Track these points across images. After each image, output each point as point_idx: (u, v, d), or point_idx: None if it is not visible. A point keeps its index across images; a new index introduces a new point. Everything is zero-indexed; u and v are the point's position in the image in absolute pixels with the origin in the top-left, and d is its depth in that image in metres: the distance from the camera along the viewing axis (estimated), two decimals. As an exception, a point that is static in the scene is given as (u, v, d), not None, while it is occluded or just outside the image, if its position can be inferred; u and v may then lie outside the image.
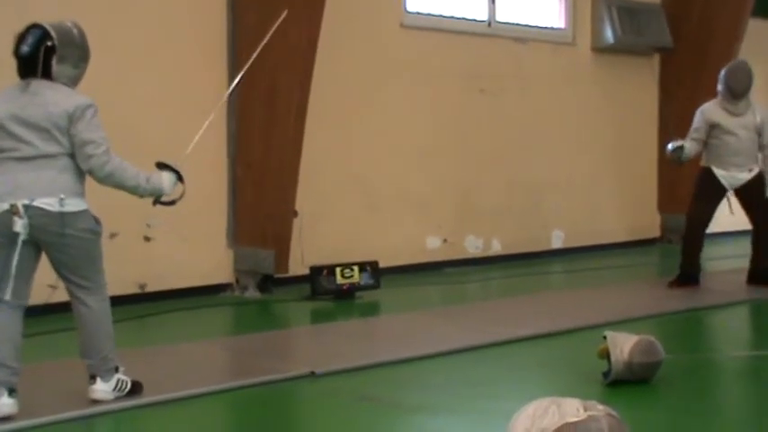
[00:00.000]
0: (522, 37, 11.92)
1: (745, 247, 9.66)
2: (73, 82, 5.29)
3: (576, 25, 12.57)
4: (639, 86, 13.26)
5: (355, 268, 9.15)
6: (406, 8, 10.82)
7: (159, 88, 8.81)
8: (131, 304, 8.49)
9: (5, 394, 5.04)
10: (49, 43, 5.13)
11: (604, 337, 5.79)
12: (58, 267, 5.32)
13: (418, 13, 10.96)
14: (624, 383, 5.69)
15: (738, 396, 6.00)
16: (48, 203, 5.05)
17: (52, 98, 5.12)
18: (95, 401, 5.35)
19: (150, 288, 8.81)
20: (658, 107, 13.20)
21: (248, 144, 9.17)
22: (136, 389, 5.49)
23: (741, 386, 6.23)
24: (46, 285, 6.84)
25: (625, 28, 12.56)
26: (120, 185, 5.33)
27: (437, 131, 11.04)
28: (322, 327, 8.28)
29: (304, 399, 5.84)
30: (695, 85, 12.54)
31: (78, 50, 5.26)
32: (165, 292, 8.85)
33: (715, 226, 9.69)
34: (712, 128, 9.14)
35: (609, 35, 12.52)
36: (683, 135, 9.34)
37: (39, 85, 5.14)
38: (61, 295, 5.78)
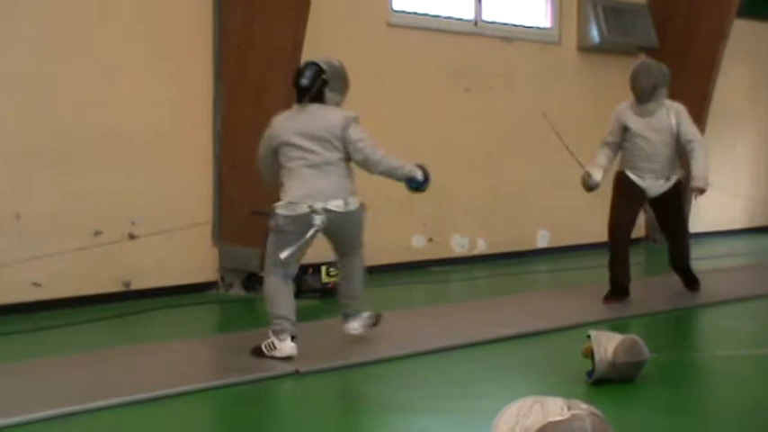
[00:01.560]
0: (509, 36, 11.93)
1: (733, 246, 9.64)
2: (338, 105, 6.73)
3: (562, 25, 12.58)
4: (625, 86, 13.21)
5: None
6: (392, 7, 10.82)
7: (144, 88, 8.80)
8: (116, 302, 8.49)
9: (289, 339, 6.38)
10: (324, 77, 6.62)
11: (588, 337, 5.80)
12: (336, 245, 6.94)
13: (404, 12, 10.96)
14: (608, 383, 5.71)
15: (722, 395, 6.02)
16: (337, 205, 6.52)
17: (328, 114, 6.57)
18: (351, 334, 6.94)
19: (135, 286, 8.80)
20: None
21: (234, 143, 9.16)
22: (378, 320, 7.04)
23: (724, 385, 6.24)
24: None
25: (611, 28, 12.59)
26: (388, 168, 6.72)
27: (423, 130, 11.05)
28: (306, 325, 8.22)
29: (288, 397, 5.85)
30: (680, 85, 12.54)
31: (342, 82, 6.75)
32: (149, 290, 8.84)
33: (702, 226, 9.68)
34: (625, 131, 8.69)
35: (595, 35, 12.55)
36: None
37: (315, 107, 6.59)
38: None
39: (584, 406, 3.76)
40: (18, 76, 8.11)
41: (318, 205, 6.46)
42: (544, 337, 7.33)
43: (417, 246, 11.08)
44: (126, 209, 8.73)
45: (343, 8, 10.16)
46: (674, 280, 9.28)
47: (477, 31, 11.61)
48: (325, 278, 9.05)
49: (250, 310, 8.79)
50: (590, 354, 5.75)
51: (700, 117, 12.92)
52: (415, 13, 11.08)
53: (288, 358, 6.30)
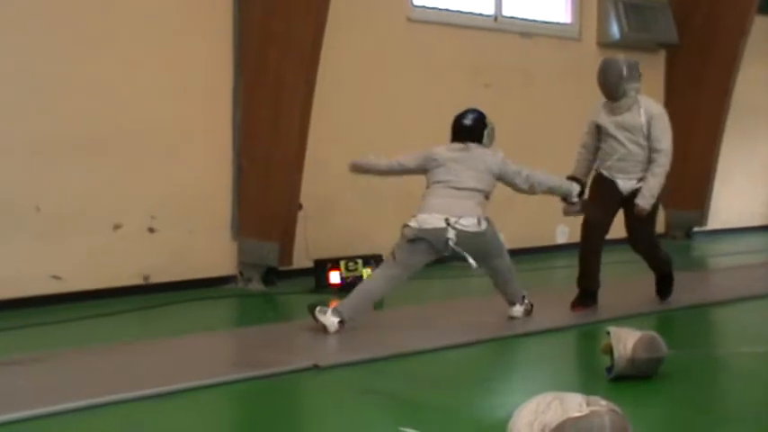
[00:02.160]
0: (529, 32, 11.91)
1: (751, 243, 9.57)
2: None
3: (583, 21, 12.56)
4: (645, 82, 13.17)
5: (359, 262, 9.16)
6: (412, 2, 10.81)
7: (165, 82, 8.81)
8: (135, 295, 8.51)
9: (337, 320, 7.11)
10: (486, 122, 7.78)
11: (608, 333, 5.79)
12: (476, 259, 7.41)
13: (424, 7, 10.95)
14: (627, 379, 5.70)
15: (741, 392, 6.00)
16: (470, 224, 7.30)
17: (487, 155, 7.68)
18: (511, 318, 7.75)
19: (154, 279, 8.83)
20: (663, 103, 13.18)
21: (254, 137, 9.17)
22: (532, 309, 7.89)
23: (744, 382, 6.22)
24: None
25: (631, 24, 12.55)
26: (549, 188, 8.14)
27: (442, 125, 10.93)
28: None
29: (307, 391, 5.85)
30: (700, 82, 12.56)
31: (493, 132, 7.88)
32: (168, 283, 8.86)
33: (720, 223, 9.63)
34: (598, 130, 8.37)
35: (615, 31, 12.51)
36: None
37: (475, 147, 7.68)
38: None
39: (604, 402, 3.75)
40: (38, 69, 8.12)
41: (452, 221, 7.28)
42: (563, 333, 7.33)
43: (436, 241, 11.06)
44: (145, 202, 8.75)
45: (364, 3, 10.16)
46: (692, 276, 9.27)
47: (497, 27, 11.60)
48: (344, 273, 9.06)
49: (269, 305, 8.80)
50: (609, 350, 5.74)
51: (720, 113, 12.92)
52: (436, 9, 11.07)
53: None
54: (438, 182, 7.58)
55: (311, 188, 9.47)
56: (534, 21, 12.05)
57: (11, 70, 8.02)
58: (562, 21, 12.45)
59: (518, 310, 7.78)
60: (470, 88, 11.27)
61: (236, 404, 5.66)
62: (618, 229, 12.88)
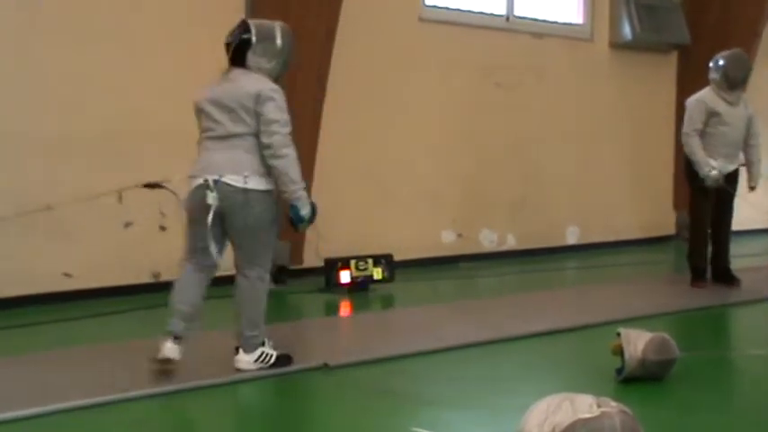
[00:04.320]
0: (540, 32, 11.91)
1: (762, 246, 9.56)
2: (270, 74, 5.89)
3: (595, 21, 12.55)
4: (657, 84, 13.24)
5: (370, 261, 9.16)
6: (424, 2, 10.83)
7: (175, 80, 8.82)
8: (145, 293, 8.52)
9: (170, 340, 5.72)
10: (246, 36, 5.81)
11: (618, 334, 5.79)
12: (231, 240, 5.88)
13: (436, 7, 10.96)
14: (637, 381, 5.69)
15: (752, 394, 5.98)
16: (234, 180, 5.64)
17: (243, 82, 5.74)
18: (238, 371, 5.89)
19: (164, 277, 8.81)
20: (675, 104, 13.17)
21: (265, 136, 9.17)
22: (283, 361, 5.98)
23: (755, 384, 6.21)
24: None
25: (643, 24, 12.53)
26: (283, 170, 5.74)
27: (453, 125, 11.04)
28: (336, 319, 8.29)
29: (317, 391, 5.85)
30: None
31: (273, 46, 5.88)
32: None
33: (736, 224, 9.61)
34: (710, 117, 9.02)
35: (627, 31, 12.50)
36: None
37: (236, 72, 5.82)
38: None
39: (614, 404, 3.75)
40: (48, 66, 8.15)
41: (211, 178, 5.67)
42: (573, 334, 7.31)
43: (447, 241, 11.08)
44: (156, 200, 8.75)
45: (375, 2, 10.17)
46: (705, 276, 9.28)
47: (508, 27, 11.60)
48: (354, 272, 9.06)
49: (279, 304, 8.80)
50: (619, 351, 5.73)
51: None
52: (447, 9, 11.07)
53: (165, 361, 5.68)
54: (201, 132, 5.97)
55: (322, 187, 9.47)
56: (546, 21, 12.05)
57: (22, 70, 8.05)
58: (574, 21, 12.44)
59: (243, 359, 5.94)
60: (481, 88, 11.28)
61: (245, 403, 5.67)
62: (628, 230, 12.91)
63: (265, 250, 5.91)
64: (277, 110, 5.72)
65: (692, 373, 6.01)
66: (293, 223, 5.99)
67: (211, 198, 5.63)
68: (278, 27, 5.95)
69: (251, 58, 5.82)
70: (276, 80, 5.91)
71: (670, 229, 13.44)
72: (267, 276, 6.01)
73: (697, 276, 9.32)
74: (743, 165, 9.28)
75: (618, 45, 12.66)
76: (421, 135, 10.72)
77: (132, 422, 5.06)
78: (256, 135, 5.72)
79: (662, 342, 5.76)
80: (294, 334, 7.43)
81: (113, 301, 8.26)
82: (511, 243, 11.68)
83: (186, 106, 8.83)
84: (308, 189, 9.25)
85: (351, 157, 10.08)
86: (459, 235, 11.18)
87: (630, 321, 6.93)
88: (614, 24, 12.57)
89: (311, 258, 9.43)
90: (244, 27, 5.87)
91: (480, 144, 11.27)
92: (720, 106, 9.01)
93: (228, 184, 5.64)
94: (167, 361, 5.67)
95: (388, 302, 8.95)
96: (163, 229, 8.77)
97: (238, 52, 5.82)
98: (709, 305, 8.52)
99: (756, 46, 12.99)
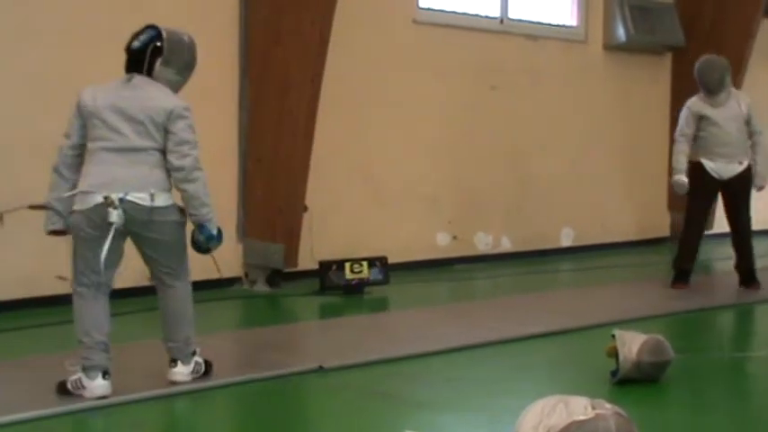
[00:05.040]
0: (534, 34, 11.91)
1: (757, 248, 9.54)
2: (174, 87, 5.56)
3: (589, 23, 12.55)
4: (651, 85, 13.25)
5: (364, 264, 9.16)
6: (418, 4, 10.81)
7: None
8: (141, 296, 8.49)
9: (100, 376, 5.36)
10: (158, 44, 5.43)
11: (613, 336, 5.79)
12: (145, 256, 5.59)
13: (430, 10, 10.95)
14: (632, 382, 5.69)
15: (746, 396, 6.00)
16: (140, 198, 5.29)
17: (153, 94, 5.39)
18: (174, 383, 5.61)
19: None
20: (670, 106, 13.18)
21: (259, 139, 9.18)
22: (208, 369, 5.80)
23: (749, 386, 6.22)
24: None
25: (637, 26, 12.54)
26: (195, 194, 5.48)
27: (448, 128, 11.04)
28: (330, 322, 8.29)
29: (312, 393, 5.86)
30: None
31: (183, 58, 5.56)
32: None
33: (724, 227, 9.62)
34: (700, 120, 9.07)
35: (621, 33, 12.50)
36: None
37: (141, 80, 5.42)
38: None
39: (609, 405, 3.75)
40: (42, 69, 8.13)
41: (115, 196, 5.26)
42: (568, 336, 7.32)
43: (442, 243, 11.08)
44: (151, 204, 8.74)
45: (370, 5, 10.16)
46: (697, 279, 9.29)
47: (502, 29, 11.59)
48: (349, 275, 9.06)
49: (274, 306, 8.81)
50: (614, 353, 5.74)
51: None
52: (442, 11, 11.06)
53: (101, 398, 5.34)
54: (94, 140, 5.43)
55: (317, 189, 9.47)
56: (540, 23, 12.04)
57: (15, 72, 8.03)
58: (568, 23, 12.44)
59: (181, 372, 5.68)
60: (476, 90, 11.28)
61: (241, 406, 5.67)
62: (622, 232, 12.92)
63: (184, 259, 5.69)
64: (189, 129, 5.43)
65: (687, 375, 6.02)
66: (200, 244, 5.69)
67: (115, 216, 5.24)
68: (187, 38, 5.63)
69: (159, 67, 5.45)
70: (175, 93, 5.58)
71: (665, 230, 13.44)
72: (190, 284, 5.79)
73: (678, 277, 9.33)
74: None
75: (612, 47, 12.66)
76: (416, 137, 10.72)
77: (127, 425, 5.06)
78: (162, 151, 5.40)
79: (656, 344, 5.77)
80: (289, 337, 7.45)
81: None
82: (506, 245, 11.68)
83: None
84: (303, 191, 9.30)
85: (345, 160, 10.07)
86: (455, 237, 11.18)
87: (625, 323, 6.93)
88: (608, 26, 12.57)
89: (306, 261, 9.42)
90: (155, 33, 5.49)
91: (475, 146, 11.27)
92: (706, 110, 9.06)
93: (135, 203, 5.29)
94: (102, 398, 5.34)
95: (383, 305, 8.95)
96: None
97: (145, 59, 5.44)
98: (703, 307, 8.53)
99: (750, 47, 13.00)
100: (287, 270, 9.39)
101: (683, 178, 9.05)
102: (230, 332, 7.69)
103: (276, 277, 9.32)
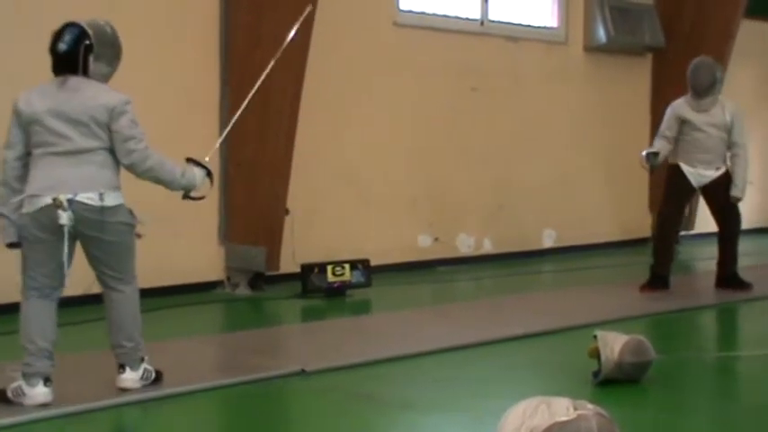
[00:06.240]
0: (515, 36, 11.92)
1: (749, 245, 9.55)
2: (106, 79, 5.47)
3: (569, 24, 12.57)
4: (632, 86, 13.28)
5: (346, 266, 9.15)
6: (399, 6, 10.82)
7: (151, 87, 8.77)
8: (95, 304, 8.46)
9: (41, 383, 5.26)
10: (87, 42, 5.31)
11: (595, 337, 5.80)
12: (93, 258, 5.49)
13: (411, 12, 10.96)
14: (614, 383, 5.70)
15: (728, 396, 6.01)
16: (89, 198, 5.24)
17: (91, 93, 5.29)
18: (123, 390, 5.52)
19: (141, 285, 8.74)
20: (650, 107, 13.22)
21: (240, 142, 9.14)
22: (159, 377, 5.70)
23: (730, 386, 6.24)
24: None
25: (618, 27, 12.57)
26: (157, 179, 5.54)
27: (429, 130, 11.05)
28: (313, 324, 8.28)
29: (294, 396, 5.85)
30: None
31: (112, 49, 5.46)
32: (155, 288, 8.80)
33: (706, 227, 9.66)
34: (682, 124, 9.05)
35: (601, 35, 12.53)
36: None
37: (77, 81, 5.31)
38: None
39: (591, 406, 3.75)
40: (22, 73, 8.10)
41: (63, 197, 5.20)
42: (550, 338, 7.33)
43: (423, 245, 11.08)
44: (132, 207, 8.71)
45: (351, 7, 10.16)
46: (679, 280, 9.33)
47: (483, 31, 11.61)
48: (331, 278, 9.05)
49: (256, 310, 8.80)
50: (596, 354, 5.74)
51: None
52: (422, 13, 11.07)
53: (43, 405, 5.24)
54: (37, 146, 5.35)
55: (298, 193, 9.47)
56: (520, 25, 12.06)
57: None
58: (548, 25, 12.46)
59: (130, 378, 5.57)
60: (457, 92, 11.29)
61: (223, 409, 5.66)
62: (604, 233, 12.95)
63: (132, 262, 5.62)
64: (131, 125, 5.34)
65: (668, 376, 6.03)
66: (195, 198, 5.93)
67: (65, 218, 5.17)
68: (109, 29, 5.50)
69: (93, 64, 5.34)
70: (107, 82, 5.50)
71: (646, 231, 13.45)
72: (137, 289, 5.71)
73: (653, 282, 9.24)
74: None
75: (592, 48, 12.69)
76: (397, 139, 10.72)
77: (109, 430, 5.04)
78: (109, 149, 5.35)
79: (638, 344, 5.78)
80: (271, 340, 7.44)
81: (89, 308, 8.11)
82: (487, 247, 11.69)
83: (163, 116, 8.83)
84: (285, 194, 9.28)
85: (327, 162, 10.07)
86: (436, 239, 11.19)
87: (607, 324, 6.95)
88: (588, 27, 12.60)
89: (287, 264, 9.41)
90: (79, 31, 5.34)
91: (456, 148, 11.28)
92: (689, 113, 9.04)
93: (84, 203, 5.22)
94: (44, 406, 5.24)
95: (365, 307, 8.95)
96: (138, 236, 8.69)
97: (78, 59, 5.31)
98: (684, 307, 8.56)
99: (730, 48, 13.04)
100: (269, 273, 9.38)
101: (648, 150, 9.15)
102: (212, 336, 7.68)
103: (258, 280, 9.31)
